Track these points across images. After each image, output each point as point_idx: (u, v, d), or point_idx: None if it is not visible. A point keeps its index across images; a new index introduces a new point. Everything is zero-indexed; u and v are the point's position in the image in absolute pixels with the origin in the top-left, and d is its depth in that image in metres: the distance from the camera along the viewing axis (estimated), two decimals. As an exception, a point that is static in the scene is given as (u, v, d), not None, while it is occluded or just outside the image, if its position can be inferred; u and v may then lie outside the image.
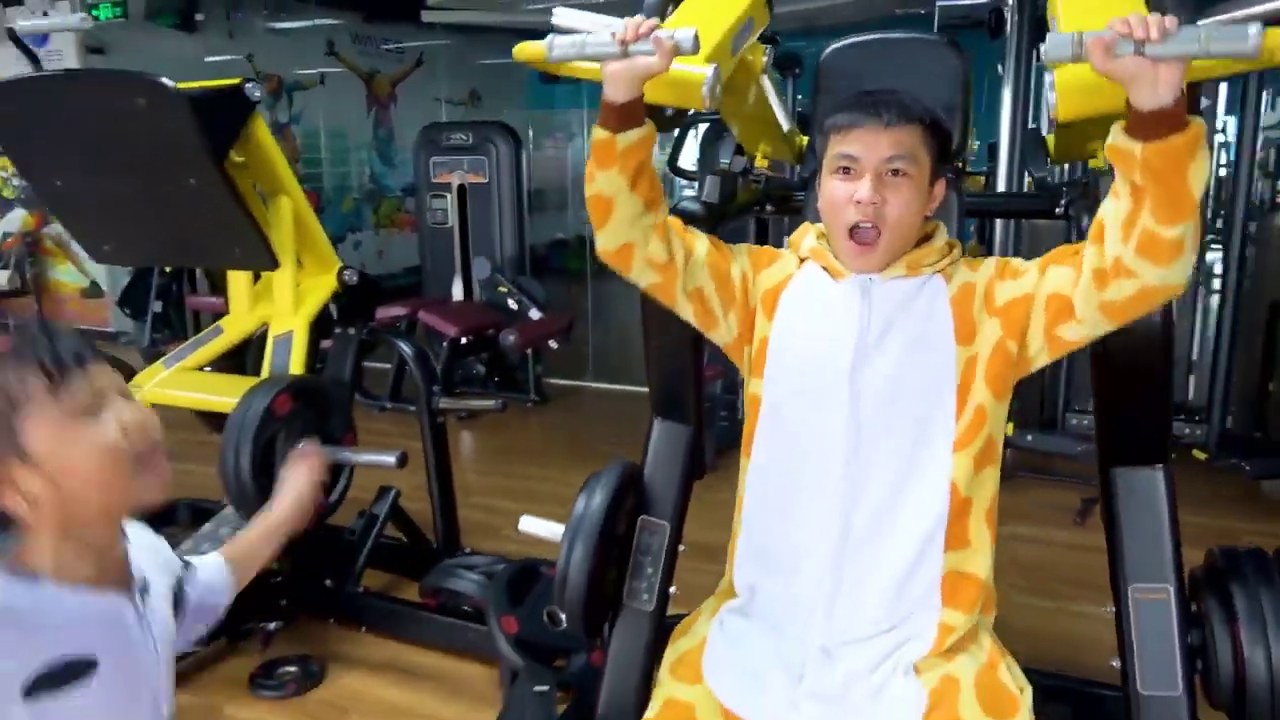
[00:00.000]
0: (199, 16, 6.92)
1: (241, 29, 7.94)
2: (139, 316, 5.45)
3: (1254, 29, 0.93)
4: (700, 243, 1.37)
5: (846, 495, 1.29)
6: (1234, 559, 1.62)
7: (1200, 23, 1.01)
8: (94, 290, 7.35)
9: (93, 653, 0.87)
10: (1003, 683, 1.26)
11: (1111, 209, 1.09)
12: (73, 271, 7.39)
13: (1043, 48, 1.00)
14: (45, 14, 6.03)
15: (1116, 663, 1.66)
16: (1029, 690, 1.28)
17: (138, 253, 2.90)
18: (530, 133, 5.64)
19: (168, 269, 5.31)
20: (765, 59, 1.73)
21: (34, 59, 2.25)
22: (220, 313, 5.45)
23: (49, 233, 7.36)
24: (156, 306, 5.41)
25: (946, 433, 1.29)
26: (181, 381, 2.61)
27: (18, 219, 7.42)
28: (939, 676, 1.24)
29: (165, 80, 1.99)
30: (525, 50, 1.24)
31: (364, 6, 8.57)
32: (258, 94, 2.31)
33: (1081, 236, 1.52)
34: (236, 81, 2.28)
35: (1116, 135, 1.03)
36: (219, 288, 5.76)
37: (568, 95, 9.75)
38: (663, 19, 1.44)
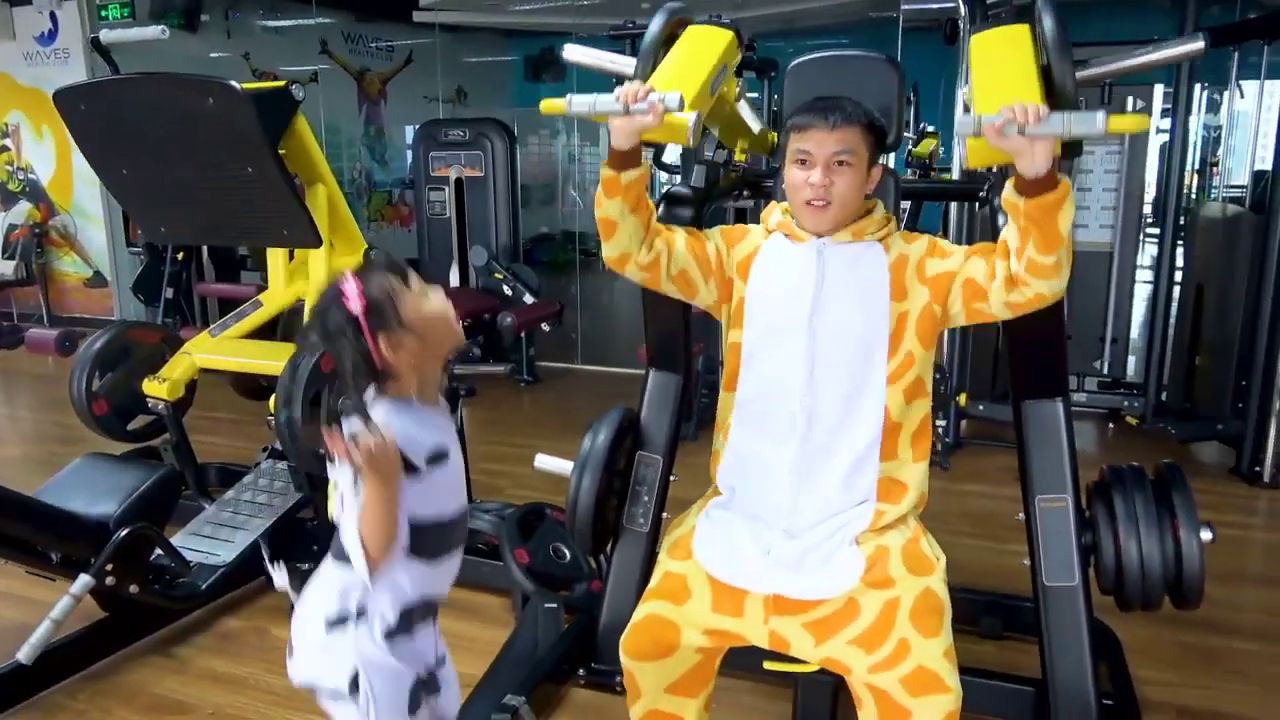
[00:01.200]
0: (204, 17, 7.18)
1: (238, 28, 8.20)
2: (151, 302, 5.74)
3: (1100, 115, 1.31)
4: (679, 237, 1.73)
5: (805, 416, 1.65)
6: (1119, 473, 2.01)
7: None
8: (98, 280, 7.61)
9: (446, 444, 1.36)
10: (923, 551, 1.63)
11: (1008, 239, 1.50)
12: (78, 262, 7.64)
13: (955, 124, 1.39)
14: (50, 18, 6.29)
15: (1027, 562, 2.05)
16: (943, 559, 1.65)
17: (191, 232, 3.22)
18: (515, 129, 5.97)
19: (179, 256, 5.60)
20: (739, 88, 2.12)
21: (112, 64, 2.57)
22: (226, 298, 5.78)
23: (54, 224, 7.62)
24: (168, 293, 5.69)
25: (881, 369, 1.65)
26: (228, 348, 2.95)
27: (23, 211, 7.66)
28: (874, 546, 1.61)
29: (233, 83, 2.33)
30: (549, 105, 1.61)
31: (356, 6, 8.84)
32: (301, 94, 2.65)
33: (995, 215, 1.91)
34: (283, 84, 2.63)
35: (1008, 191, 1.43)
36: (225, 276, 6.10)
37: (552, 93, 10.02)
38: (655, 64, 1.85)
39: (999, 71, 1.67)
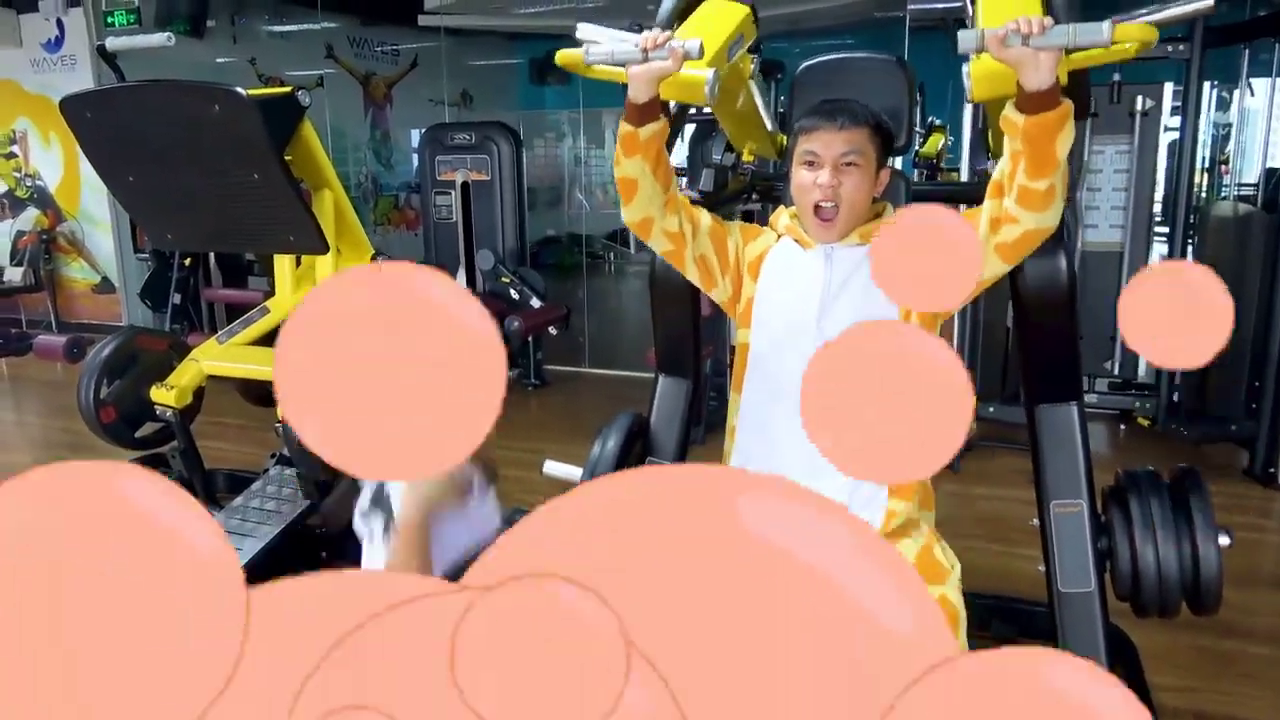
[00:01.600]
0: (210, 23, 7.18)
1: (244, 34, 8.22)
2: (159, 308, 5.74)
3: (1106, 24, 1.28)
4: (705, 218, 1.71)
5: None
6: (1134, 478, 1.98)
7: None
8: (106, 286, 7.62)
9: None
10: (937, 558, 1.62)
11: (999, 170, 1.46)
12: (85, 268, 7.66)
13: (958, 39, 1.35)
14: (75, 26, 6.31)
15: (1042, 568, 2.02)
16: (958, 567, 1.63)
17: (198, 239, 3.22)
18: (521, 133, 5.96)
19: (187, 262, 5.61)
20: (753, 66, 2.09)
21: (118, 71, 2.57)
22: (233, 304, 5.79)
23: (62, 231, 7.64)
24: (175, 299, 5.69)
25: None
26: (235, 355, 2.94)
27: (31, 218, 7.68)
28: (887, 553, 1.60)
29: (239, 89, 2.32)
30: (566, 56, 1.56)
31: (361, 10, 8.85)
32: (307, 100, 2.64)
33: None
34: (289, 90, 2.62)
35: (1009, 110, 1.39)
36: (232, 282, 6.10)
37: (558, 97, 10.03)
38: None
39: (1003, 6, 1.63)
